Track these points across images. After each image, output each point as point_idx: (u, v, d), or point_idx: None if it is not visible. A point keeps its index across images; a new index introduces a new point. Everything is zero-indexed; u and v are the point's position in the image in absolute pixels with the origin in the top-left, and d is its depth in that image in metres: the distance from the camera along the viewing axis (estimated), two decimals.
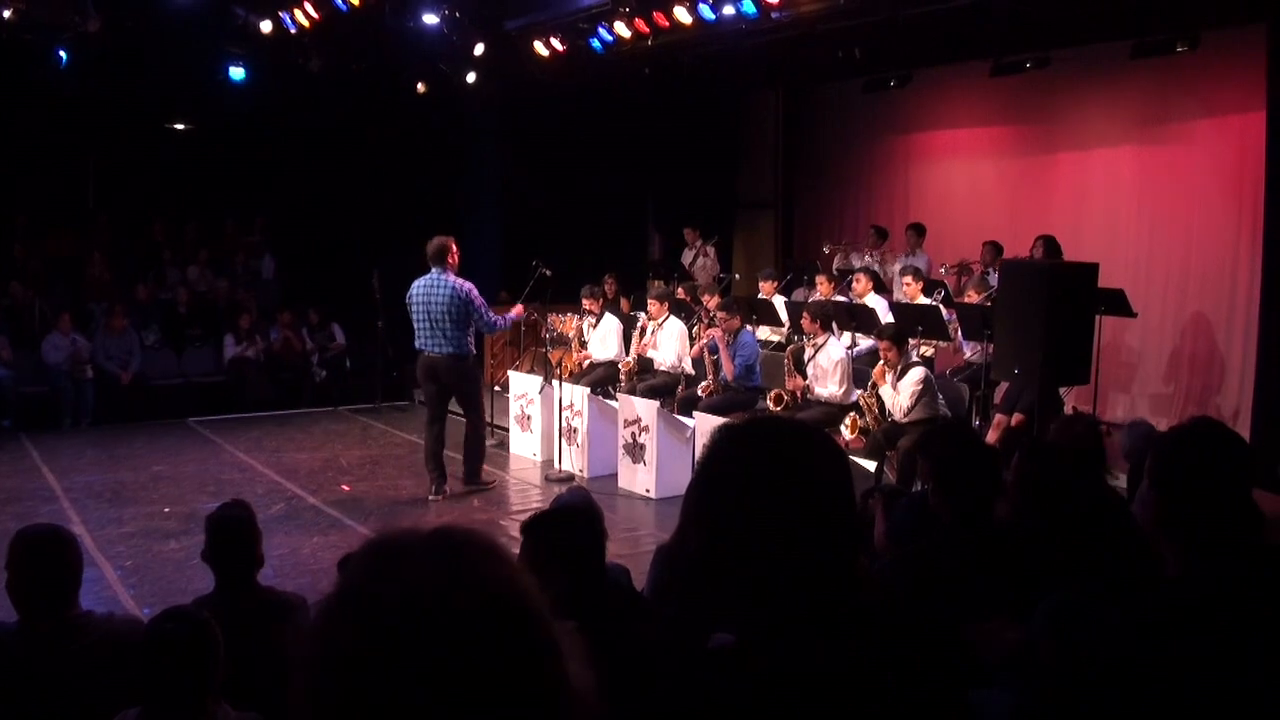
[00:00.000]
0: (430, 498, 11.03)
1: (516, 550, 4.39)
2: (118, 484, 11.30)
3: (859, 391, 10.60)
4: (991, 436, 10.17)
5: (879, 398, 10.28)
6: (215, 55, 15.62)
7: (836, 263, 15.13)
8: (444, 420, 11.22)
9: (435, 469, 11.13)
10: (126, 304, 15.47)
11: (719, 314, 11.79)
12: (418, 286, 10.77)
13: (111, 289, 16.10)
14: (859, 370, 11.06)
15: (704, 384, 11.44)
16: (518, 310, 11.76)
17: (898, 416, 10.04)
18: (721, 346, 11.57)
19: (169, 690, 3.42)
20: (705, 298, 13.19)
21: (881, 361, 10.33)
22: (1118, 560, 3.90)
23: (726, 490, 1.88)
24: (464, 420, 11.36)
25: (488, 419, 12.77)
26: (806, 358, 11.08)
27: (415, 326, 10.84)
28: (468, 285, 10.69)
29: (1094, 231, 13.15)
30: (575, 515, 4.52)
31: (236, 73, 15.85)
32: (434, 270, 10.72)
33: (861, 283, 12.76)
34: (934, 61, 14.60)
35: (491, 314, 10.93)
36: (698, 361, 12.04)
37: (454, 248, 10.84)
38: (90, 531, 9.59)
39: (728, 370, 11.51)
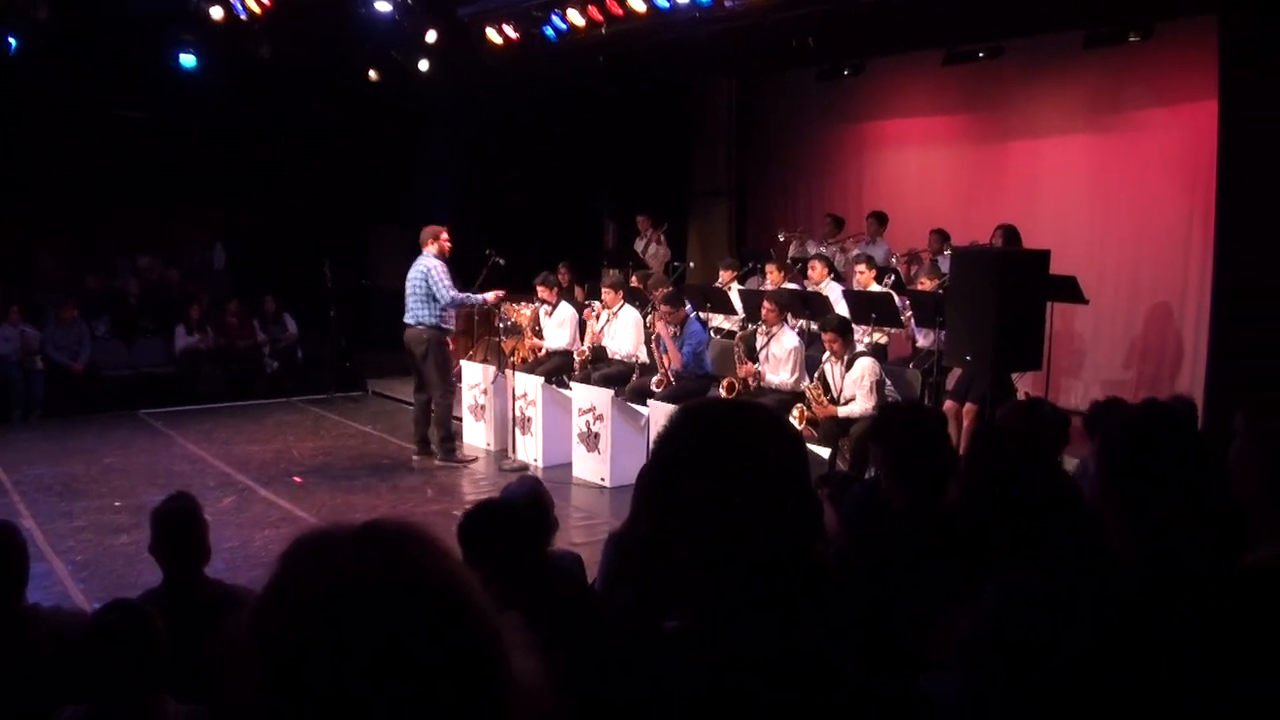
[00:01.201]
0: (414, 459, 12.12)
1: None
2: (68, 477, 11.20)
3: (807, 381, 10.61)
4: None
5: (825, 383, 10.30)
6: (166, 42, 15.45)
7: (792, 250, 15.15)
8: (425, 390, 12.05)
9: (417, 434, 12.21)
10: (76, 294, 15.31)
11: (663, 307, 11.74)
12: (411, 267, 11.94)
13: (61, 279, 15.93)
14: (812, 358, 11.07)
15: (656, 378, 11.42)
16: (496, 294, 12.29)
17: (865, 416, 10.01)
18: (667, 339, 11.57)
19: (112, 683, 3.39)
20: (655, 292, 13.16)
21: (818, 378, 10.38)
22: (1070, 544, 3.91)
23: (681, 473, 1.87)
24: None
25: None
26: (759, 345, 11.11)
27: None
28: (435, 262, 11.72)
29: (1046, 219, 13.21)
30: (507, 509, 4.51)
31: (187, 60, 15.65)
32: (422, 253, 11.89)
33: (817, 270, 12.76)
34: (887, 50, 14.64)
35: (453, 290, 11.70)
36: (651, 353, 12.04)
37: (444, 235, 11.99)
38: (40, 525, 9.51)
39: (675, 359, 11.49)
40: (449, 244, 11.99)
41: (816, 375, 10.47)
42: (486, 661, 1.27)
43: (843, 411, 10.07)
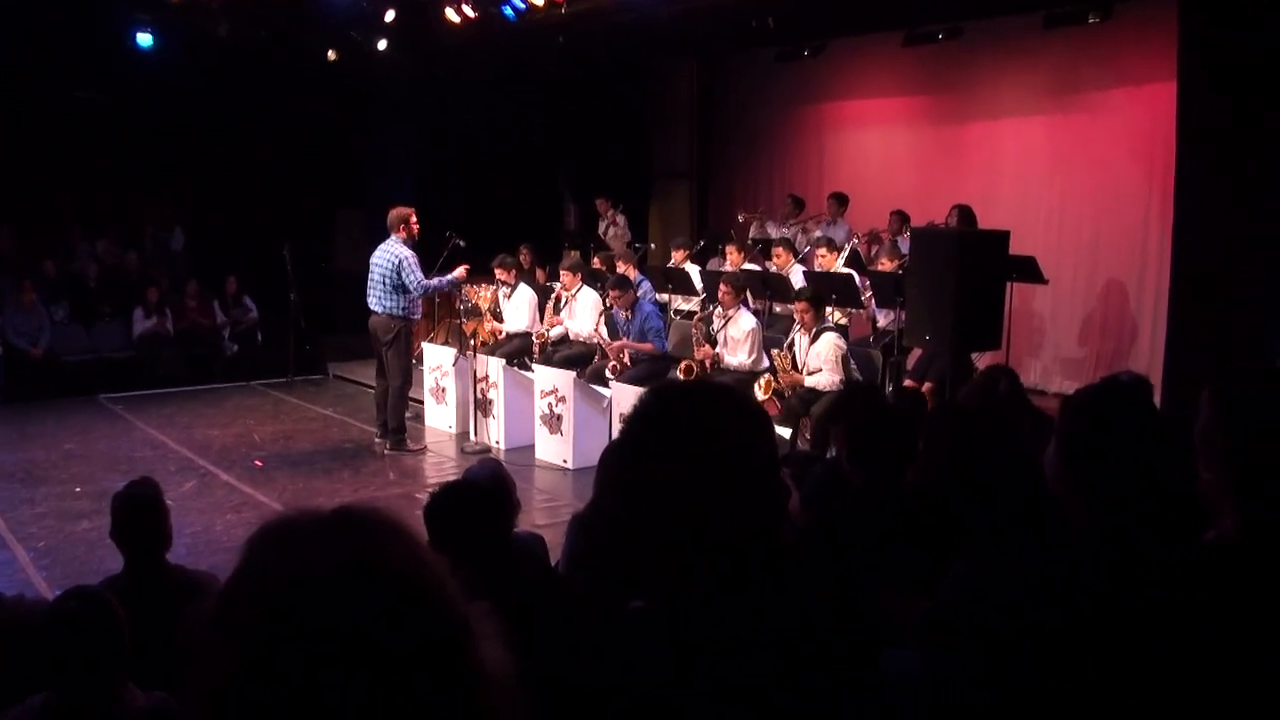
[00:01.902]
0: (376, 442, 11.95)
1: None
2: (28, 463, 11.11)
3: (765, 363, 10.67)
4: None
5: (793, 355, 10.36)
6: (122, 21, 15.31)
7: (752, 232, 15.18)
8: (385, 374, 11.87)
9: (379, 418, 12.01)
10: (34, 278, 15.16)
11: (612, 293, 11.74)
12: (376, 251, 11.66)
13: (18, 263, 15.77)
14: (771, 339, 11.11)
15: (611, 364, 11.47)
16: (459, 272, 12.15)
17: (835, 389, 10.07)
18: (629, 347, 11.58)
19: (73, 670, 3.37)
20: (621, 265, 13.19)
21: (786, 347, 10.44)
22: (1031, 522, 3.94)
23: (649, 453, 1.87)
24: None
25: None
26: (716, 328, 11.15)
27: (368, 288, 11.63)
28: (406, 252, 11.43)
29: (1006, 200, 13.28)
30: (473, 492, 4.52)
31: (144, 39, 15.51)
32: (390, 238, 11.57)
33: (782, 256, 12.79)
34: (848, 31, 14.67)
35: (424, 279, 11.53)
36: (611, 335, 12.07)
37: (412, 218, 11.65)
38: (2, 513, 9.44)
39: (647, 350, 11.54)
40: (417, 227, 11.69)
41: (786, 345, 10.53)
42: (456, 650, 1.26)
43: (809, 380, 10.14)
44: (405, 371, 11.71)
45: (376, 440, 11.95)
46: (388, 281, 11.43)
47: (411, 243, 11.58)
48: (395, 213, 11.69)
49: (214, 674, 1.22)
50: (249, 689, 1.19)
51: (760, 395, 10.22)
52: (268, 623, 1.20)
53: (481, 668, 1.28)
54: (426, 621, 1.24)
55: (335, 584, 1.22)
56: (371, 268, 11.58)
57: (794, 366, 10.32)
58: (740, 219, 15.40)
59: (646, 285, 13.42)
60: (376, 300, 11.52)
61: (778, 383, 10.30)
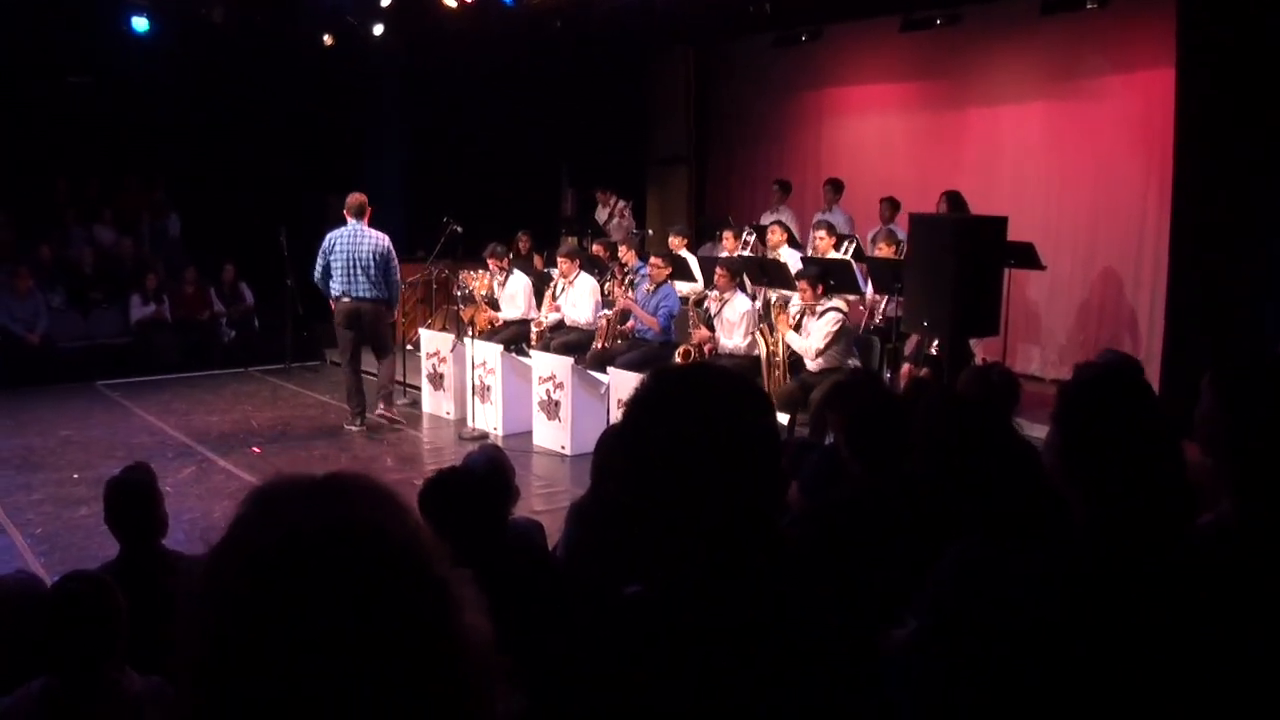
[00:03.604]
0: (348, 426, 11.99)
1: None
2: (26, 450, 11.10)
3: (760, 327, 10.74)
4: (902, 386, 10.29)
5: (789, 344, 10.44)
6: (117, 6, 15.27)
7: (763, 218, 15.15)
8: (360, 359, 12.01)
9: (356, 404, 12.00)
10: (30, 264, 15.14)
11: (654, 260, 11.89)
12: (340, 237, 11.51)
13: (13, 249, 15.74)
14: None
15: (602, 323, 11.63)
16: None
17: (809, 361, 10.16)
18: (635, 309, 11.67)
19: (72, 653, 3.37)
20: (622, 251, 13.21)
21: (782, 305, 10.50)
22: (1027, 511, 3.94)
23: (652, 439, 1.88)
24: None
25: (399, 378, 13.26)
26: (713, 312, 11.19)
27: (337, 274, 11.51)
28: (387, 239, 11.60)
29: (1003, 186, 13.27)
30: (470, 478, 4.52)
31: (139, 24, 15.46)
32: (353, 222, 11.54)
33: (776, 235, 12.79)
34: (845, 16, 14.65)
35: (397, 277, 11.84)
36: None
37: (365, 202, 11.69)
38: None
39: (651, 323, 11.60)
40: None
41: (782, 301, 10.67)
42: (437, 614, 1.28)
43: (790, 337, 10.21)
44: (392, 348, 12.19)
45: (355, 427, 11.99)
46: (373, 269, 11.50)
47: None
48: (359, 198, 11.68)
49: (200, 633, 1.24)
50: (233, 648, 1.21)
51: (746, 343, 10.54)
52: (252, 583, 1.23)
53: (462, 633, 1.30)
54: (409, 585, 1.26)
55: (319, 545, 1.24)
56: (347, 253, 11.48)
57: (788, 353, 10.39)
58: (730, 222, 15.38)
59: (643, 268, 13.47)
60: (365, 285, 11.51)
61: (768, 337, 10.43)
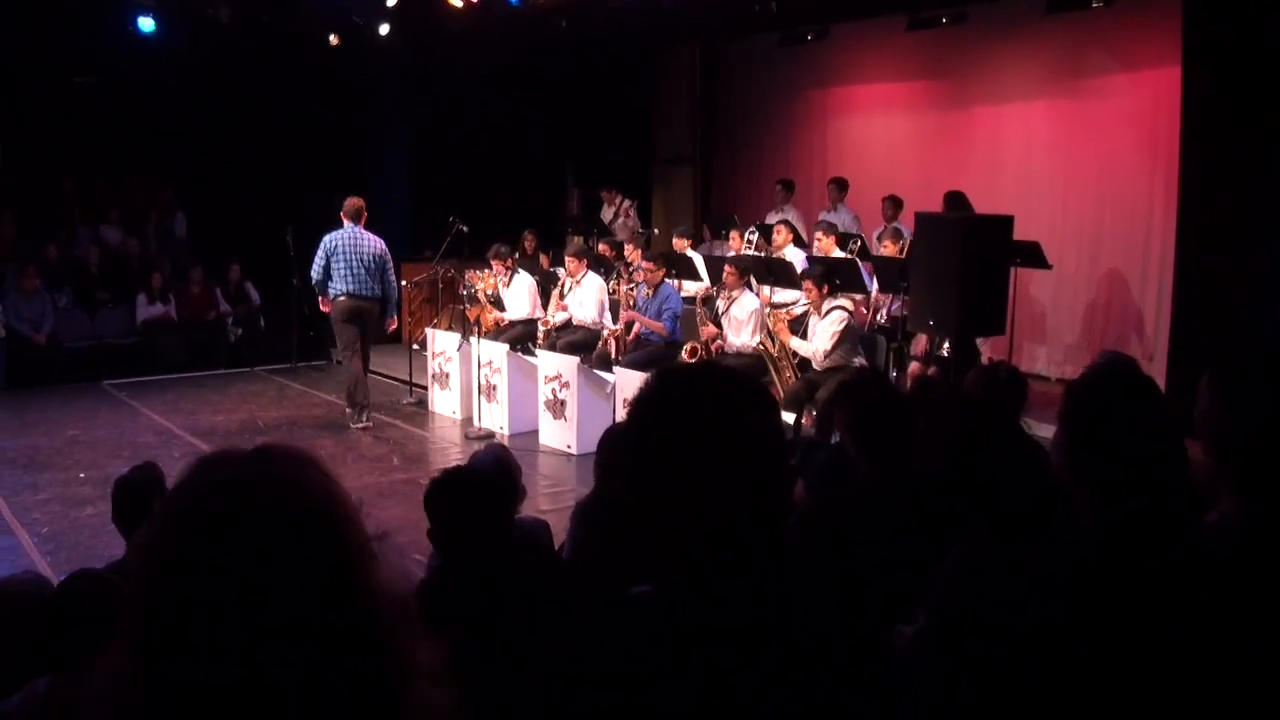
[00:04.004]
0: (354, 425, 12.18)
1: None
2: (32, 449, 11.13)
3: (758, 338, 10.75)
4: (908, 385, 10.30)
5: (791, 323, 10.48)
6: (124, 6, 15.29)
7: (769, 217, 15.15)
8: (368, 355, 12.36)
9: (363, 396, 12.28)
10: (37, 264, 15.16)
11: (645, 264, 11.91)
12: (342, 238, 11.84)
13: (20, 248, 15.77)
14: None
15: (609, 334, 11.68)
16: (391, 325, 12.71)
17: (816, 363, 10.16)
18: (639, 318, 11.70)
19: (77, 651, 3.37)
20: (628, 249, 13.23)
21: (779, 310, 10.52)
22: (1034, 511, 3.94)
23: (658, 438, 1.88)
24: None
25: (406, 376, 13.60)
26: (720, 310, 11.19)
27: (340, 273, 11.82)
28: (383, 242, 11.98)
29: (1009, 185, 13.25)
30: (476, 478, 4.52)
31: (145, 24, 15.48)
32: (350, 225, 11.87)
33: (781, 235, 12.80)
34: (850, 15, 14.64)
35: (391, 275, 12.14)
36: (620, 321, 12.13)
37: (361, 205, 12.06)
38: (6, 499, 9.46)
39: (657, 329, 11.62)
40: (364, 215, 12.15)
41: (786, 309, 10.64)
42: (346, 564, 1.40)
43: (795, 343, 10.23)
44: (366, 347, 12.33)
45: (360, 424, 12.24)
46: (372, 268, 11.87)
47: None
48: (356, 202, 12.03)
49: (137, 568, 1.41)
50: (159, 582, 1.37)
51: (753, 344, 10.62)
52: (176, 525, 1.39)
53: (373, 584, 1.43)
54: (320, 535, 1.40)
55: (236, 494, 1.39)
56: (343, 254, 11.81)
57: (795, 357, 10.39)
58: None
59: None
60: (367, 284, 11.88)
61: (771, 346, 10.43)
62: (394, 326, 12.61)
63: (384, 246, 11.97)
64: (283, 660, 1.33)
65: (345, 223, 11.87)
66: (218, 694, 1.32)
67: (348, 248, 11.79)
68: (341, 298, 11.85)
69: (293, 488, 1.42)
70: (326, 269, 11.84)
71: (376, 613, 1.41)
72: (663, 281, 11.93)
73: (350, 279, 11.80)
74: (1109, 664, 2.37)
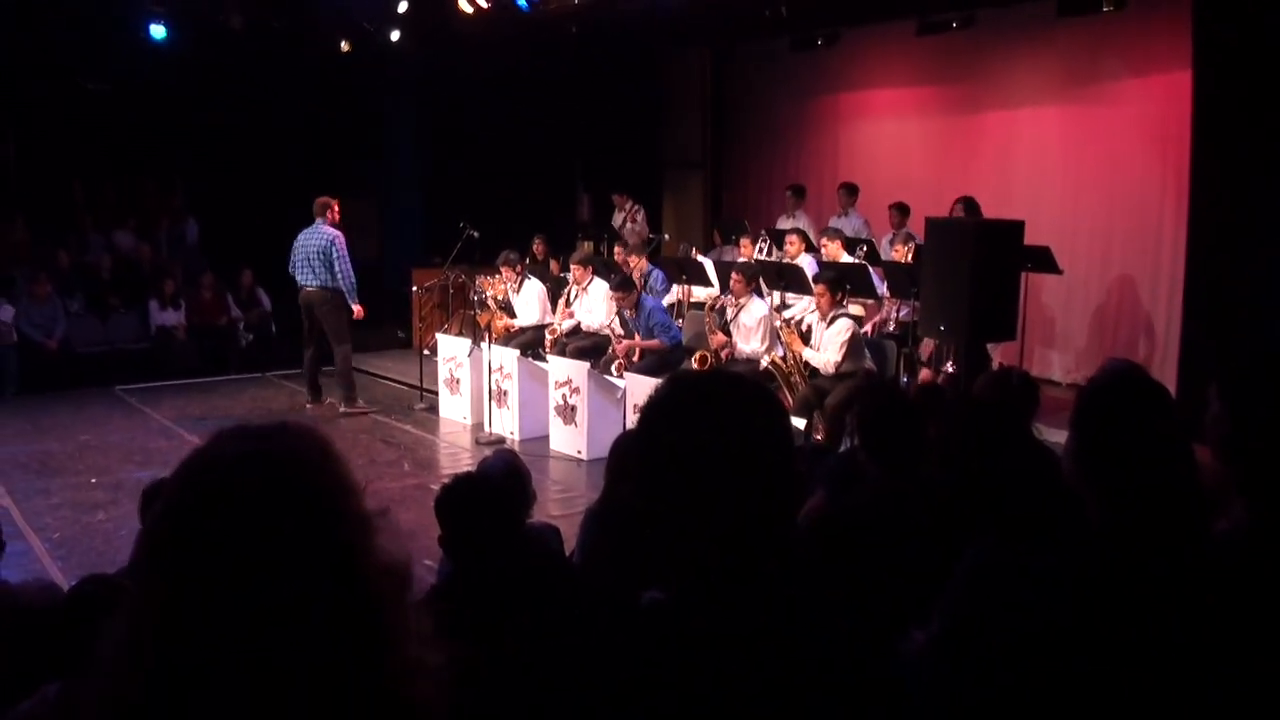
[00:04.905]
0: (307, 406, 13.05)
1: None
2: (44, 454, 11.15)
3: (772, 355, 10.72)
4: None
5: (799, 332, 10.46)
6: (135, 12, 15.32)
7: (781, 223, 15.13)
8: (317, 345, 12.96)
9: (311, 386, 13.18)
10: (49, 270, 15.20)
11: (614, 294, 11.93)
12: (301, 235, 12.73)
13: (32, 254, 15.82)
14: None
15: (616, 363, 11.66)
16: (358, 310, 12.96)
17: (827, 373, 10.15)
18: (635, 344, 11.72)
19: (88, 656, 3.37)
20: (632, 259, 13.24)
21: (786, 324, 10.50)
22: (1045, 516, 3.94)
23: (669, 444, 1.88)
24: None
25: (417, 382, 13.44)
26: (729, 317, 11.19)
27: (295, 267, 12.74)
28: (335, 233, 12.55)
29: (1019, 190, 13.24)
30: (486, 483, 4.53)
31: (157, 31, 15.52)
32: (316, 222, 12.64)
33: (795, 245, 12.79)
34: (861, 20, 14.62)
35: (352, 274, 12.67)
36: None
37: (334, 205, 12.76)
38: (18, 503, 9.47)
39: (653, 347, 11.64)
40: (338, 214, 12.76)
41: (794, 319, 10.61)
42: (343, 535, 1.45)
43: (807, 354, 10.21)
44: (347, 336, 12.75)
45: (308, 406, 13.06)
46: (315, 260, 12.52)
47: (335, 227, 12.65)
48: (319, 201, 12.75)
49: (138, 547, 1.43)
50: (157, 559, 1.41)
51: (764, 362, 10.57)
52: (174, 502, 1.43)
53: (370, 557, 1.47)
54: (317, 509, 1.45)
55: (239, 465, 1.44)
56: (298, 249, 12.67)
57: (805, 366, 10.37)
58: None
59: (659, 275, 13.48)
60: (310, 275, 12.58)
61: (782, 361, 10.40)
62: (360, 313, 12.82)
63: (329, 239, 12.46)
64: (277, 632, 1.37)
65: (314, 220, 12.66)
66: (215, 668, 1.35)
67: (300, 243, 12.64)
68: (299, 290, 12.74)
69: (290, 463, 1.46)
70: (292, 264, 12.73)
71: (373, 584, 1.45)
72: (639, 299, 11.97)
73: (300, 271, 12.64)
74: (1118, 669, 2.37)
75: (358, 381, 13.10)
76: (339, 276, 12.48)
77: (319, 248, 12.48)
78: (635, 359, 11.65)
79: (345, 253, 12.55)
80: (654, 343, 11.66)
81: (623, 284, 11.99)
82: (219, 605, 1.35)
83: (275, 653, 1.36)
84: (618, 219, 16.87)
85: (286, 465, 1.45)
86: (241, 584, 1.36)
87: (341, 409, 12.85)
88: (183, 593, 1.36)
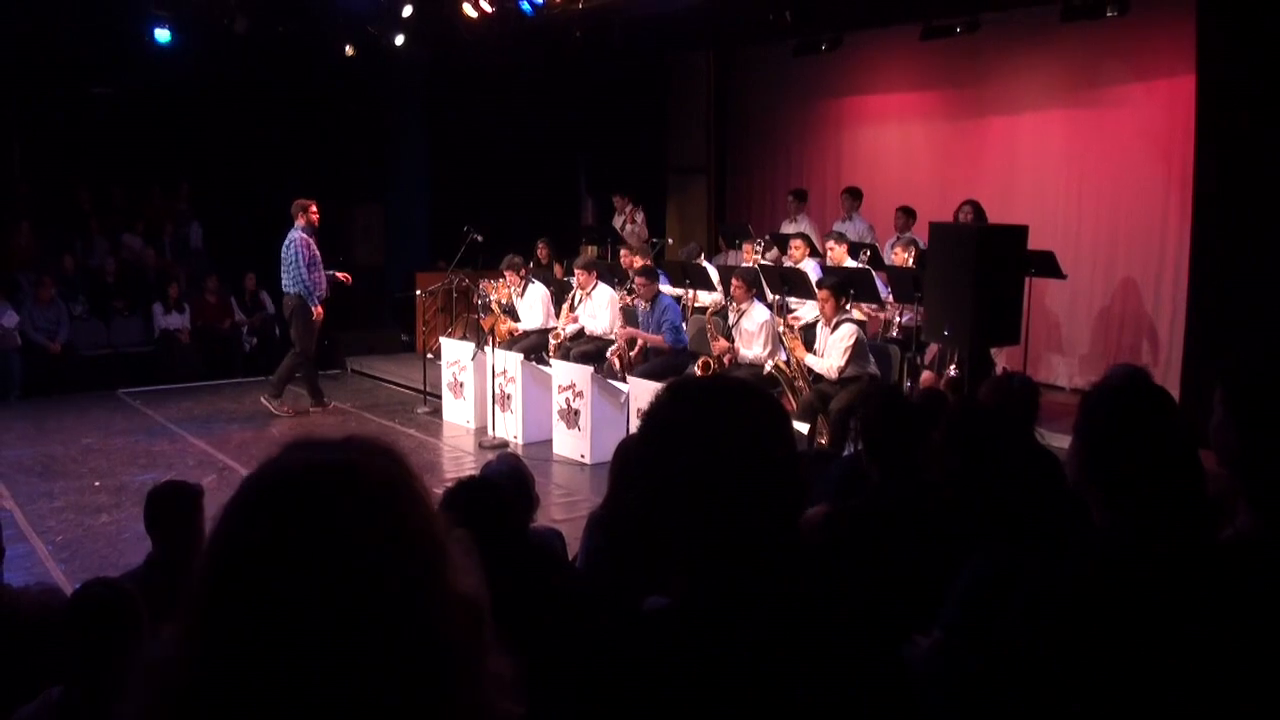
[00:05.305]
0: (311, 410, 13.35)
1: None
2: (47, 457, 11.16)
3: (776, 359, 10.71)
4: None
5: (803, 336, 10.46)
6: (141, 17, 15.34)
7: (785, 227, 15.13)
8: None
9: (312, 390, 13.40)
10: (53, 273, 15.23)
11: (638, 280, 11.92)
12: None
13: (37, 257, 15.84)
14: None
15: (614, 348, 11.71)
16: (344, 276, 13.36)
17: (831, 378, 10.14)
18: (639, 334, 11.72)
19: (91, 659, 3.38)
20: (635, 260, 13.24)
21: (789, 329, 10.51)
22: (1048, 520, 3.94)
23: (669, 451, 1.88)
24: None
25: (420, 386, 13.25)
26: (730, 322, 11.19)
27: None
28: (300, 238, 12.70)
29: (1023, 195, 13.23)
30: (489, 487, 4.52)
31: (162, 35, 15.53)
32: (293, 224, 12.85)
33: (799, 249, 12.79)
34: (864, 25, 14.61)
35: (306, 271, 12.75)
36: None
37: (311, 208, 12.90)
38: (21, 506, 9.48)
39: (656, 342, 11.63)
40: (317, 216, 12.91)
41: (796, 325, 10.61)
42: (426, 561, 1.36)
43: (810, 360, 10.20)
44: (305, 341, 13.01)
45: (311, 409, 13.36)
46: (286, 262, 12.77)
47: (311, 229, 12.81)
48: (297, 203, 12.90)
49: (209, 550, 1.34)
50: (230, 570, 1.31)
51: (767, 367, 10.54)
52: (254, 507, 1.35)
53: (451, 584, 1.37)
54: (394, 530, 1.35)
55: (316, 480, 1.36)
56: (280, 253, 12.89)
57: (809, 372, 10.37)
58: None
59: (662, 278, 13.50)
60: (286, 281, 12.86)
61: (785, 365, 10.39)
62: (319, 314, 12.95)
63: (296, 240, 12.68)
64: (349, 660, 1.28)
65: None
66: (274, 700, 1.27)
67: (282, 248, 12.88)
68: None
69: (377, 482, 1.38)
70: None
71: (449, 615, 1.36)
72: (658, 294, 11.96)
73: (281, 275, 12.96)
74: (1123, 676, 2.37)
75: (367, 387, 13.18)
76: (300, 281, 12.68)
77: (287, 254, 12.73)
78: (635, 353, 11.66)
79: (308, 255, 12.68)
80: (657, 338, 11.65)
81: (646, 271, 12.03)
82: (284, 632, 1.27)
83: (342, 684, 1.28)
84: (618, 221, 16.88)
85: (374, 482, 1.37)
86: (310, 610, 1.28)
87: (263, 398, 13.22)
88: (248, 618, 1.28)
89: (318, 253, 12.85)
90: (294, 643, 1.27)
